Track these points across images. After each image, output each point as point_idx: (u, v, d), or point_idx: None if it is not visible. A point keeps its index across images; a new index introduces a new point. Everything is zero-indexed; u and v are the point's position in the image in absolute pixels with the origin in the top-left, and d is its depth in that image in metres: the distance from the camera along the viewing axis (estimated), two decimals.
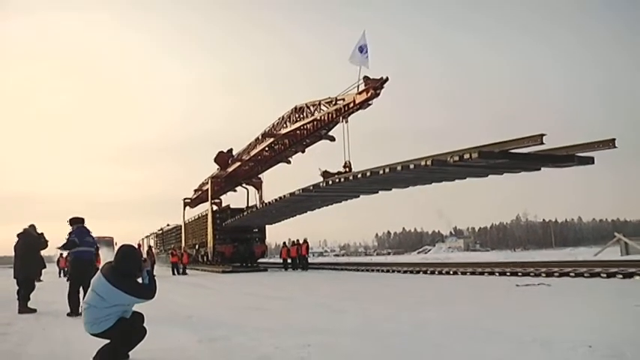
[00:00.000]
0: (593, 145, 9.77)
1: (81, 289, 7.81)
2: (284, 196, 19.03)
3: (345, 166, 15.95)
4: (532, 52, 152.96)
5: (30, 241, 9.03)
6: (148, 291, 4.26)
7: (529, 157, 10.45)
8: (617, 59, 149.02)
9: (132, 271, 4.21)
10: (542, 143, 9.33)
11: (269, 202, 21.91)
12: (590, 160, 10.30)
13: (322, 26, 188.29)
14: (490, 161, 10.71)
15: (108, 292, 4.05)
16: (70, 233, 8.25)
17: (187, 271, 24.80)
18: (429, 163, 11.02)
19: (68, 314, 7.87)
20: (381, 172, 13.43)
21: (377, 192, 17.32)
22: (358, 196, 18.89)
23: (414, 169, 12.01)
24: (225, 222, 25.91)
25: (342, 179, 15.32)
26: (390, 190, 16.88)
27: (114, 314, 4.10)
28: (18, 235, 9.07)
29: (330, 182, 15.71)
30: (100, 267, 4.38)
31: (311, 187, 16.80)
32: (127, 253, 4.29)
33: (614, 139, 9.21)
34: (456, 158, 10.28)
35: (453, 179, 13.91)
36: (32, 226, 9.29)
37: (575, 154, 10.06)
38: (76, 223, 8.36)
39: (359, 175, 14.27)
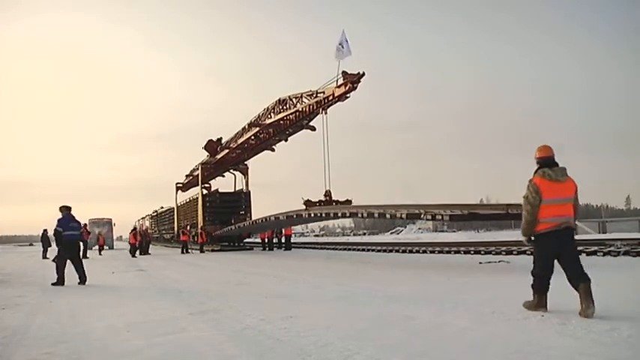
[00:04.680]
0: None
1: (69, 263, 9.11)
2: (269, 217, 19.07)
3: (326, 195, 15.95)
4: (500, 51, 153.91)
5: None
6: None
7: (493, 216, 10.76)
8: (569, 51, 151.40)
9: None
10: (507, 213, 9.22)
11: (255, 221, 21.94)
12: None
13: (301, 24, 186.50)
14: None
15: None
16: (58, 220, 9.26)
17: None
18: (403, 216, 11.19)
19: (53, 284, 8.77)
20: (360, 215, 13.79)
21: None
22: (339, 217, 18.98)
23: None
24: (215, 232, 25.80)
25: (323, 214, 15.42)
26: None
27: None
28: None
29: (312, 215, 15.84)
30: None
31: (294, 216, 16.84)
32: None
33: None
34: (429, 217, 10.38)
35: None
36: None
37: None
38: (65, 210, 9.39)
39: (339, 214, 14.38)
